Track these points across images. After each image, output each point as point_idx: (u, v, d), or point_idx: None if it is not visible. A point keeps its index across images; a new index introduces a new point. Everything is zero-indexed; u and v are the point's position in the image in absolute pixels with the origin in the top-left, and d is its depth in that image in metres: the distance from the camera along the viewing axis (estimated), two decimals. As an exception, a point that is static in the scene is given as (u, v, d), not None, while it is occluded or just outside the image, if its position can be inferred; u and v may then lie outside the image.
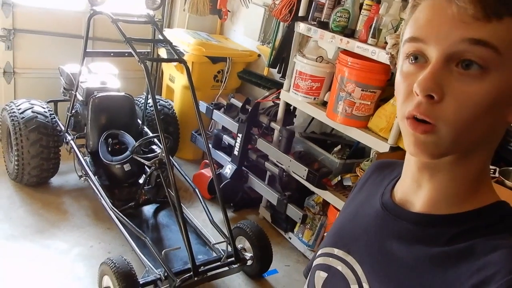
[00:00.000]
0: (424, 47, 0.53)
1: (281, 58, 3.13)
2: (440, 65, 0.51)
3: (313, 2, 2.60)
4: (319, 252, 0.75)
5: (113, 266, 2.04)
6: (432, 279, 0.54)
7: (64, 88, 3.11)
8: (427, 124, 0.52)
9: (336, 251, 0.70)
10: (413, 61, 0.55)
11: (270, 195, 2.88)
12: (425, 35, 0.53)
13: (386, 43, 2.19)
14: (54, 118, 3.00)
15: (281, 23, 3.10)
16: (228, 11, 3.83)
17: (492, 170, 1.98)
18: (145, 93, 3.31)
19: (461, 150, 0.55)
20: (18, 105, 2.91)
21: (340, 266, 0.68)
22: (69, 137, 2.93)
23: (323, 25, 2.49)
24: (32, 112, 2.87)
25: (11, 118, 2.85)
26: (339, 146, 2.69)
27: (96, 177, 2.72)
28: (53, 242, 2.60)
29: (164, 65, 3.82)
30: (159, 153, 2.57)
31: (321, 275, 0.71)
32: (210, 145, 3.23)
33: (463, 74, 0.51)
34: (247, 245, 2.50)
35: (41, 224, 2.73)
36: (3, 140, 3.12)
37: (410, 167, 0.62)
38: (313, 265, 0.74)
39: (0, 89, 3.41)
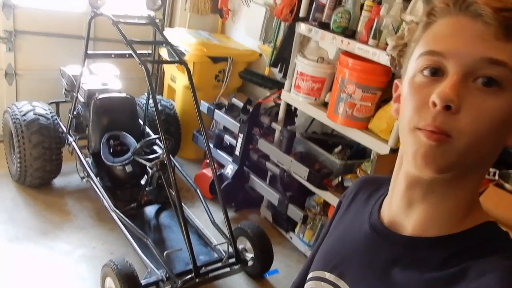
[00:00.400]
0: (443, 61, 0.54)
1: (282, 57, 3.13)
2: (458, 79, 0.52)
3: (314, 3, 2.60)
4: (310, 275, 0.74)
5: (115, 268, 2.05)
6: None
7: (65, 90, 3.12)
8: (442, 135, 0.53)
9: (327, 275, 0.70)
10: (428, 74, 0.55)
11: (271, 195, 2.89)
12: (446, 49, 0.54)
13: (387, 44, 2.19)
14: (56, 119, 3.02)
15: (283, 23, 3.10)
16: (229, 10, 3.82)
17: (492, 173, 1.98)
18: (146, 94, 3.32)
19: (464, 166, 0.55)
20: (20, 107, 2.92)
21: None
22: (71, 139, 2.94)
23: (324, 26, 2.48)
24: (34, 114, 2.89)
25: (13, 120, 2.86)
26: (340, 147, 2.70)
27: (98, 178, 2.73)
28: (57, 244, 2.62)
29: (165, 65, 3.83)
30: (160, 154, 2.58)
31: None
32: (211, 145, 3.25)
33: (480, 90, 0.52)
34: (248, 245, 2.51)
35: (45, 225, 2.75)
36: (5, 142, 3.13)
37: (400, 186, 0.62)
38: None
39: (2, 91, 3.42)
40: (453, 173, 0.56)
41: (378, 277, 0.62)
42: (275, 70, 3.29)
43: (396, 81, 0.66)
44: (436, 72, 0.55)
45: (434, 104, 0.52)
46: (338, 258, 0.70)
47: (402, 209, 0.62)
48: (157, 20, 2.93)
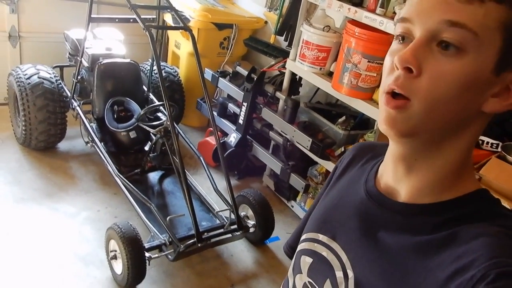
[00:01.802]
0: (412, 27, 0.55)
1: (288, 25, 3.09)
2: (422, 43, 0.54)
3: (322, -31, 2.54)
4: (303, 237, 0.76)
5: (119, 231, 2.10)
6: (415, 266, 0.56)
7: (69, 54, 3.10)
8: (401, 100, 0.55)
9: (321, 237, 0.72)
10: (401, 42, 0.57)
11: (274, 164, 2.91)
12: (413, 15, 0.55)
13: (394, 13, 2.15)
14: (60, 83, 3.01)
15: (289, -11, 3.03)
16: (235, -25, 3.75)
17: (495, 145, 1.98)
18: (150, 60, 3.29)
19: (431, 131, 0.57)
20: (24, 71, 2.92)
21: (325, 252, 0.69)
22: (75, 103, 2.95)
23: (331, -7, 2.43)
24: (38, 77, 2.88)
25: (18, 83, 2.86)
26: (344, 117, 2.69)
27: (102, 143, 2.76)
28: (62, 206, 2.67)
29: (169, 31, 3.78)
30: (164, 121, 2.59)
31: (306, 260, 0.72)
32: (215, 113, 3.25)
33: (441, 53, 0.53)
34: (250, 213, 2.55)
35: (50, 187, 2.80)
36: (10, 105, 3.14)
37: (389, 159, 0.65)
38: (298, 249, 0.75)
39: (6, 54, 3.41)
40: (425, 137, 0.57)
41: (371, 241, 0.63)
42: (281, 39, 3.25)
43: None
44: (406, 38, 0.57)
45: (397, 67, 0.55)
46: (332, 221, 0.72)
47: (394, 178, 0.64)
48: (162, -16, 2.87)
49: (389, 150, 0.64)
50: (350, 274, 0.63)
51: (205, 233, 2.28)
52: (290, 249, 0.87)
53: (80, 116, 2.89)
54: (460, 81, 0.52)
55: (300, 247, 0.75)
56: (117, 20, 2.96)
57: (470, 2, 0.51)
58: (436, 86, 0.53)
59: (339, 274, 0.65)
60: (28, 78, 2.87)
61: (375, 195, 0.66)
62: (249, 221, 2.52)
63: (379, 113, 0.59)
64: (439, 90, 0.53)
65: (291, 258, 0.82)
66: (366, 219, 0.66)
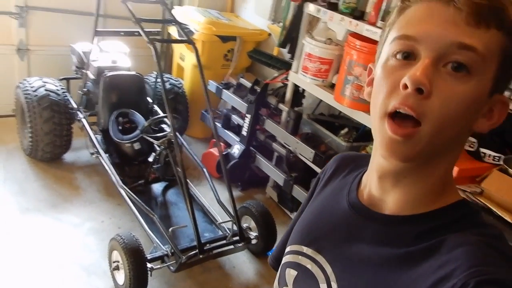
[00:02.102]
0: (416, 46, 0.55)
1: (291, 38, 3.11)
2: (430, 63, 0.54)
3: (324, -17, 2.57)
4: (288, 249, 0.76)
5: (122, 242, 2.12)
6: (397, 278, 0.57)
7: (76, 66, 3.15)
8: (409, 128, 0.54)
9: (305, 249, 0.72)
10: (400, 58, 0.57)
11: (277, 175, 2.93)
12: (418, 33, 0.55)
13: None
14: (66, 96, 3.06)
15: (292, 2, 3.07)
16: (240, -12, 3.80)
17: (497, 158, 1.98)
18: (155, 72, 3.34)
19: (431, 155, 0.57)
20: (31, 83, 2.97)
21: (309, 265, 0.69)
22: (81, 115, 2.99)
23: (333, 7, 2.47)
24: (45, 90, 2.93)
25: (25, 95, 2.91)
26: (346, 129, 2.70)
27: (107, 154, 2.79)
28: (66, 216, 2.69)
29: (174, 44, 3.83)
30: (168, 132, 2.62)
31: (291, 273, 0.72)
32: (219, 125, 3.28)
33: (450, 74, 0.54)
34: (253, 224, 2.56)
35: (54, 198, 2.83)
36: (17, 116, 3.19)
37: (373, 173, 0.65)
38: (283, 262, 0.76)
39: (14, 67, 3.47)
40: (421, 161, 0.58)
41: (354, 253, 0.64)
42: (284, 51, 3.28)
43: (370, 65, 0.66)
44: (409, 56, 0.56)
45: (405, 87, 0.54)
46: (316, 232, 0.72)
47: (378, 192, 0.65)
48: (167, -2, 2.92)
49: (376, 164, 0.64)
50: (334, 286, 0.64)
51: (207, 244, 2.29)
52: (275, 261, 0.87)
53: (86, 128, 2.93)
54: (468, 102, 0.54)
55: (284, 259, 0.76)
56: (122, 33, 3.02)
57: (478, 27, 0.53)
58: (447, 107, 0.53)
59: (323, 286, 0.66)
60: (35, 90, 2.92)
61: (358, 207, 0.67)
62: (251, 232, 2.52)
63: (380, 138, 0.57)
64: (450, 112, 0.54)
65: (276, 270, 0.83)
66: (350, 231, 0.67)
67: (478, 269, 0.50)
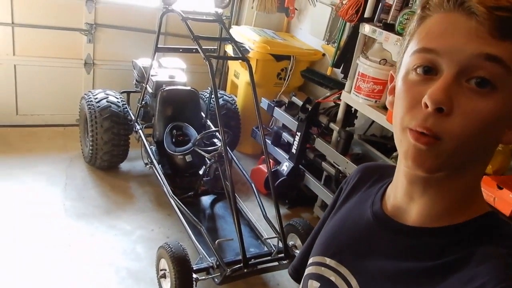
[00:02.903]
0: (437, 59, 0.53)
1: (345, 58, 3.11)
2: (452, 79, 0.51)
3: (380, 3, 2.56)
4: (310, 261, 0.75)
5: (169, 250, 2.17)
6: None
7: (136, 80, 3.32)
8: (431, 137, 0.53)
9: (328, 261, 0.71)
10: (421, 72, 0.54)
11: (325, 195, 2.90)
12: (440, 46, 0.53)
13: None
14: (126, 108, 3.22)
15: (347, 23, 3.08)
16: (296, 9, 3.86)
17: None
18: (209, 88, 3.44)
19: (456, 166, 0.56)
20: (95, 95, 3.16)
21: (333, 277, 0.68)
22: (138, 127, 3.13)
23: (389, 27, 2.45)
24: (107, 101, 3.11)
25: (88, 106, 3.10)
26: (399, 151, 2.64)
27: (160, 165, 2.89)
28: (119, 223, 2.81)
29: (229, 61, 3.94)
30: (219, 146, 2.68)
31: (314, 285, 0.71)
32: (269, 142, 3.31)
33: (473, 90, 0.51)
34: (298, 242, 2.54)
35: (109, 205, 2.96)
36: (80, 126, 3.39)
37: (402, 180, 0.62)
38: (306, 273, 0.75)
39: (81, 79, 3.71)
40: (448, 171, 0.56)
41: (379, 265, 0.62)
42: (338, 71, 3.28)
43: (391, 72, 0.64)
44: (430, 71, 0.54)
45: (426, 105, 0.52)
46: (339, 244, 0.71)
47: (404, 201, 0.63)
48: (224, 17, 3.03)
49: (404, 172, 0.61)
50: None
51: (252, 259, 2.30)
52: (294, 271, 0.86)
53: (142, 139, 3.07)
54: (491, 119, 0.51)
55: (307, 271, 0.74)
56: (181, 50, 3.15)
57: (504, 39, 0.50)
58: (469, 125, 0.51)
59: None
60: (98, 101, 3.10)
61: (382, 218, 0.66)
62: (296, 250, 2.50)
63: (404, 148, 0.56)
64: (473, 129, 0.51)
65: (295, 279, 0.82)
66: (373, 243, 0.65)
67: (508, 284, 0.48)
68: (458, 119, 0.51)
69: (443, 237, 0.58)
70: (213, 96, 3.22)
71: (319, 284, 0.70)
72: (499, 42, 0.50)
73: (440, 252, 0.57)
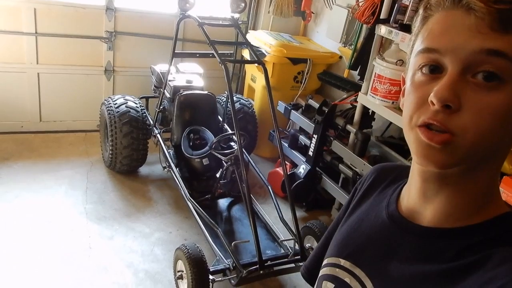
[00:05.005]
0: (440, 58, 0.53)
1: (362, 60, 3.10)
2: (457, 76, 0.51)
3: (396, 4, 2.55)
4: (325, 262, 0.74)
5: (186, 252, 2.20)
6: None
7: (154, 86, 3.38)
8: (445, 134, 0.52)
9: (342, 262, 0.70)
10: (427, 72, 0.54)
11: (342, 197, 2.88)
12: (442, 45, 0.53)
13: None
14: (145, 113, 3.28)
15: (364, 25, 3.07)
16: (312, 12, 3.87)
17: None
18: (226, 92, 3.47)
19: (471, 162, 0.55)
20: (115, 100, 3.23)
21: (348, 278, 0.68)
22: (156, 131, 3.18)
23: (405, 28, 2.43)
24: (126, 107, 3.17)
25: (108, 112, 3.17)
26: (417, 152, 2.60)
27: (177, 169, 2.93)
28: (138, 226, 2.85)
29: (247, 65, 3.97)
30: (235, 149, 2.70)
31: (328, 286, 0.71)
32: (286, 145, 3.32)
33: (480, 85, 0.51)
34: (315, 244, 2.53)
35: (129, 208, 3.01)
36: (101, 131, 3.47)
37: (416, 178, 0.62)
38: (320, 274, 0.74)
39: (101, 85, 3.80)
40: (464, 167, 0.55)
41: (395, 267, 0.62)
42: (355, 73, 3.27)
43: (402, 74, 0.64)
44: (435, 69, 0.54)
45: (433, 104, 0.52)
46: (354, 245, 0.70)
47: (419, 201, 0.62)
48: (240, 22, 3.06)
49: (418, 170, 0.61)
50: None
51: (268, 261, 2.30)
52: (307, 271, 0.85)
53: (160, 143, 3.11)
54: (503, 112, 0.51)
55: (321, 272, 0.74)
56: (197, 55, 3.19)
57: (506, 32, 0.49)
58: (480, 120, 0.51)
59: None
60: (118, 107, 3.16)
61: (398, 219, 0.65)
62: (313, 253, 2.49)
63: (416, 146, 0.55)
64: (484, 124, 0.51)
65: (307, 281, 0.81)
66: (388, 245, 0.64)
67: None
68: (468, 115, 0.51)
69: (460, 238, 0.57)
70: (229, 100, 3.26)
71: (333, 286, 0.70)
72: (501, 35, 0.49)
73: (457, 254, 0.56)
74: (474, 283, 0.52)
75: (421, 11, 0.57)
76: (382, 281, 0.63)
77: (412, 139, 0.56)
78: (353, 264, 0.68)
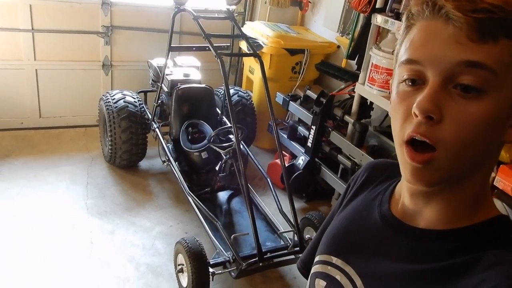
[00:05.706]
0: (422, 69, 0.53)
1: (359, 49, 3.08)
2: (438, 87, 0.51)
3: (392, -7, 2.53)
4: (317, 259, 0.75)
5: (186, 245, 2.22)
6: None
7: (152, 80, 3.38)
8: (426, 153, 0.52)
9: (334, 260, 0.70)
10: (410, 83, 0.55)
11: (342, 188, 2.88)
12: (422, 57, 0.53)
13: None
14: (143, 107, 3.28)
15: (361, 14, 3.05)
16: (309, 2, 3.84)
17: None
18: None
19: (457, 176, 0.55)
20: (113, 95, 3.23)
21: (338, 276, 0.68)
22: (155, 125, 3.19)
23: (401, 17, 2.41)
24: (124, 102, 3.17)
25: (107, 107, 3.17)
26: (414, 142, 2.60)
27: (177, 163, 2.94)
28: (139, 220, 2.87)
29: (244, 57, 3.95)
30: (233, 142, 2.70)
31: (320, 284, 0.71)
32: (285, 136, 3.32)
33: (461, 96, 0.51)
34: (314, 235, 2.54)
35: (129, 202, 3.03)
36: (100, 126, 3.48)
37: (404, 193, 0.63)
38: (312, 271, 0.75)
39: (99, 81, 3.80)
40: (448, 183, 0.55)
41: (386, 267, 0.62)
42: (353, 63, 3.25)
43: (390, 81, 0.64)
44: (417, 81, 0.54)
45: (416, 115, 0.52)
46: (345, 243, 0.71)
47: (411, 207, 0.63)
48: (236, 14, 3.04)
49: (406, 186, 0.62)
50: None
51: (268, 253, 2.32)
52: (303, 265, 0.86)
53: (159, 137, 3.12)
54: (485, 122, 0.51)
55: (313, 269, 0.75)
56: (194, 48, 3.19)
57: (484, 41, 0.49)
58: (461, 131, 0.51)
59: None
60: (116, 102, 3.17)
61: (390, 219, 0.65)
62: (313, 244, 2.51)
63: (402, 165, 0.57)
64: (465, 135, 0.51)
65: (303, 274, 0.82)
66: (380, 244, 0.65)
67: None
68: (450, 126, 0.51)
69: (451, 240, 0.58)
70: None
71: (325, 283, 0.71)
72: (479, 45, 0.49)
73: (448, 255, 0.57)
74: (464, 284, 0.52)
75: (404, 19, 0.57)
76: (372, 279, 0.63)
77: (399, 157, 0.57)
78: (344, 262, 0.69)
